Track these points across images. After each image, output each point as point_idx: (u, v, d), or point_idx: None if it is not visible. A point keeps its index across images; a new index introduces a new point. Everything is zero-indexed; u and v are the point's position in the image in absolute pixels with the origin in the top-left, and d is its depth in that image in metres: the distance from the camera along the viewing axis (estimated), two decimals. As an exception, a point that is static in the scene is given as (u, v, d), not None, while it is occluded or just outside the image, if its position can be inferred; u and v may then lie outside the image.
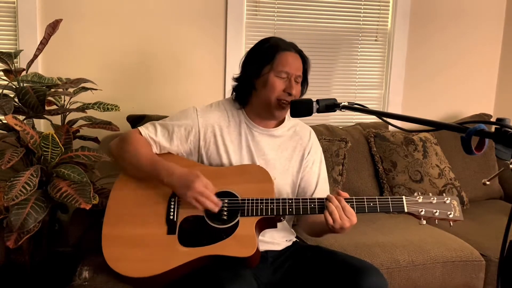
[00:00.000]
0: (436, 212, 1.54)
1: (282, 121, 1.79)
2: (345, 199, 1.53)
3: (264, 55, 1.68)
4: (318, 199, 1.57)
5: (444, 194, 1.60)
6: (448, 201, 1.56)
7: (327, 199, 1.53)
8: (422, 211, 1.54)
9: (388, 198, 1.56)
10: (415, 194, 1.58)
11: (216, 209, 1.53)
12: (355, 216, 1.51)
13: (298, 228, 1.93)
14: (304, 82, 1.76)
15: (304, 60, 1.73)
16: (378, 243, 2.10)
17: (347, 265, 1.58)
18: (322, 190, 1.77)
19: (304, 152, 1.78)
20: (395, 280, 2.01)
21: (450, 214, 1.54)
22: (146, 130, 1.69)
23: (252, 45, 1.78)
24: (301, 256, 1.70)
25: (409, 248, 2.08)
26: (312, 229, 1.76)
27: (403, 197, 1.56)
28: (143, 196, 1.62)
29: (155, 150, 1.69)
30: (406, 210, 1.54)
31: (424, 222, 1.55)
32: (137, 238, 1.56)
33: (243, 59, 1.76)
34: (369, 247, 2.06)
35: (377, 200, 1.56)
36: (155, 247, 1.54)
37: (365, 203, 1.55)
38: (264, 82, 1.67)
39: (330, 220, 1.49)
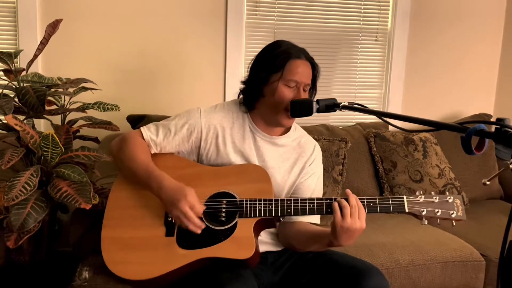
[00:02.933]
0: (438, 211, 1.48)
1: (287, 130, 1.76)
2: (344, 199, 1.51)
3: (274, 62, 1.64)
4: (317, 199, 1.54)
5: (447, 192, 1.55)
6: (450, 200, 1.51)
7: (347, 194, 1.45)
8: (423, 211, 1.49)
9: (388, 198, 1.52)
10: (417, 193, 1.53)
11: (198, 231, 1.50)
12: (365, 223, 1.43)
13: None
14: (313, 89, 1.73)
15: (314, 67, 1.70)
16: (378, 243, 2.10)
17: (348, 266, 1.57)
18: None
19: (305, 164, 1.74)
20: (395, 280, 2.00)
21: (453, 213, 1.49)
22: (148, 131, 1.68)
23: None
24: (301, 257, 1.69)
25: (409, 248, 2.08)
26: (298, 240, 1.64)
27: (404, 196, 1.52)
28: (141, 198, 1.61)
29: (155, 150, 1.68)
30: (407, 210, 1.50)
31: (426, 222, 1.50)
32: (136, 241, 1.56)
33: (252, 62, 1.72)
34: (369, 247, 2.06)
35: (377, 200, 1.52)
36: (153, 250, 1.54)
37: (365, 203, 1.51)
38: (273, 90, 1.63)
39: (339, 216, 1.39)
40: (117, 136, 1.75)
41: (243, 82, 1.74)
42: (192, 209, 1.48)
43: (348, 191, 1.48)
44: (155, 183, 1.54)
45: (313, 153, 1.77)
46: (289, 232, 1.67)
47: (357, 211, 1.42)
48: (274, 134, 1.73)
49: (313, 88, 1.73)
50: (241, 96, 1.75)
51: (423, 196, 1.52)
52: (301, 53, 1.67)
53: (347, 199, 1.45)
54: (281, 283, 1.66)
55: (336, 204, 1.43)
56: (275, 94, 1.63)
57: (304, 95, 1.65)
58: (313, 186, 1.75)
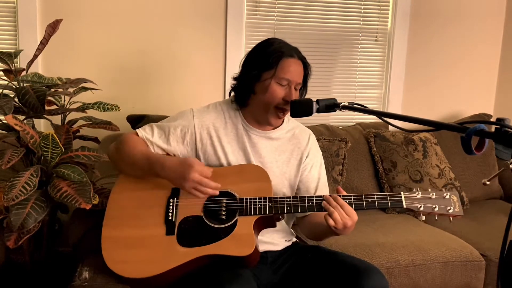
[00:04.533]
0: (435, 207, 1.53)
1: (280, 123, 1.76)
2: (343, 196, 1.52)
3: (266, 59, 1.64)
4: (316, 196, 1.57)
5: (443, 189, 1.58)
6: (447, 196, 1.55)
7: (324, 199, 1.53)
8: (421, 206, 1.53)
9: (386, 194, 1.56)
10: (414, 190, 1.57)
11: (217, 192, 1.52)
12: (355, 213, 1.50)
13: (298, 230, 1.93)
14: (303, 89, 1.73)
15: (306, 66, 1.70)
16: (378, 243, 2.10)
17: (348, 265, 1.57)
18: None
19: (302, 156, 1.76)
20: (395, 280, 2.00)
21: (450, 209, 1.53)
22: (143, 131, 1.69)
23: (253, 44, 1.75)
24: (301, 257, 1.70)
25: (409, 248, 2.08)
26: (313, 233, 1.74)
27: (402, 193, 1.56)
28: (142, 197, 1.62)
29: (152, 149, 1.68)
30: (404, 206, 1.54)
31: (424, 218, 1.55)
32: (136, 240, 1.56)
33: (244, 59, 1.73)
34: (369, 247, 2.06)
35: (375, 196, 1.55)
36: (154, 248, 1.54)
37: (363, 199, 1.55)
38: (264, 87, 1.64)
39: (332, 222, 1.47)
40: (117, 136, 1.76)
41: (235, 79, 1.74)
42: (202, 174, 1.50)
43: (326, 196, 1.53)
44: (158, 166, 1.56)
45: (309, 143, 1.79)
46: (305, 227, 1.76)
47: (343, 210, 1.48)
48: (267, 129, 1.74)
49: (304, 87, 1.73)
50: (232, 94, 1.76)
51: (420, 193, 1.56)
52: (294, 52, 1.67)
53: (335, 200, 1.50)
54: (281, 282, 1.66)
55: (326, 215, 1.49)
56: (267, 91, 1.63)
57: (295, 94, 1.66)
58: (317, 176, 1.78)
